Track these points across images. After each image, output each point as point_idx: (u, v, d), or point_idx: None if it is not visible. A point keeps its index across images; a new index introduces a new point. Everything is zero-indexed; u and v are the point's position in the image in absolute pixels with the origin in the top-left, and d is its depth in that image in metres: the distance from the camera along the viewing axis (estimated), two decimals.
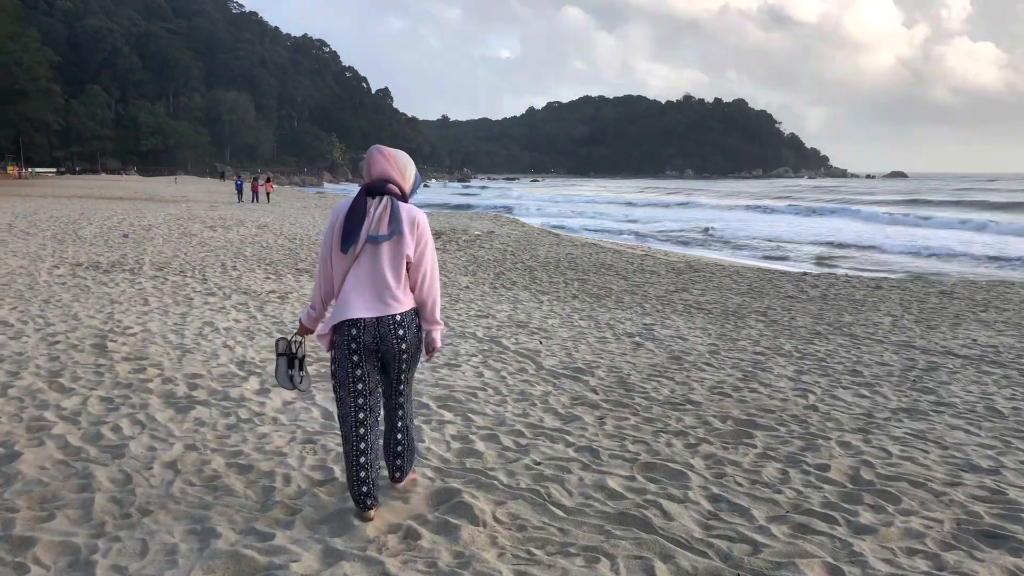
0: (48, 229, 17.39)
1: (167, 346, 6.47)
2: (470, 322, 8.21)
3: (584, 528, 3.31)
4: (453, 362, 6.30)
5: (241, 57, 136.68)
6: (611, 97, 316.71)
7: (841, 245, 24.52)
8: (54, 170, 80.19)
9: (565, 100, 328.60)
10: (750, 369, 6.45)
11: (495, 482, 3.75)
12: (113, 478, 3.69)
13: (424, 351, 3.36)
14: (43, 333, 6.79)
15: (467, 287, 11.00)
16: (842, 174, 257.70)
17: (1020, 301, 11.06)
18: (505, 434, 4.54)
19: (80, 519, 3.26)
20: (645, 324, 8.51)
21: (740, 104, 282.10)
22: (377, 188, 3.17)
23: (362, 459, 3.21)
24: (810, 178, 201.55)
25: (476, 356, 6.59)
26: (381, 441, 3.45)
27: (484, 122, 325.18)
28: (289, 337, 3.51)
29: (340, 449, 4.08)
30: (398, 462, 3.51)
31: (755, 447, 4.45)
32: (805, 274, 14.85)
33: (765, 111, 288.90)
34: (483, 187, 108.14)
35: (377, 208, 3.13)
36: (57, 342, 6.45)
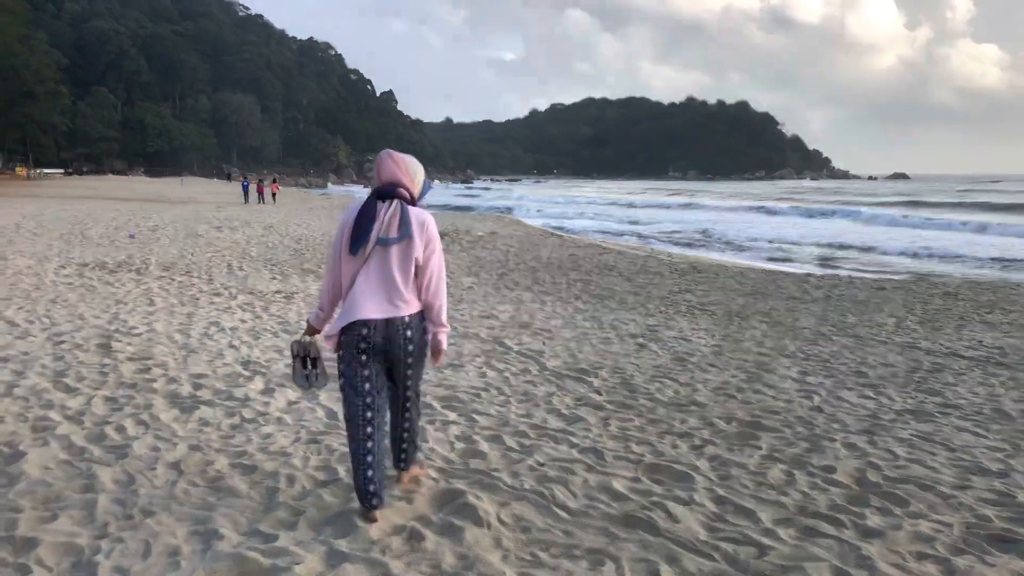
0: (55, 229, 17.43)
1: (172, 346, 6.47)
2: (473, 323, 8.20)
3: (589, 530, 3.30)
4: (456, 363, 6.28)
5: (247, 59, 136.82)
6: (614, 99, 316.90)
7: (843, 246, 24.41)
8: (61, 171, 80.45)
9: (568, 102, 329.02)
10: (754, 370, 6.42)
11: (499, 483, 3.73)
12: (116, 479, 3.68)
13: (430, 354, 3.38)
14: (49, 333, 6.80)
15: (470, 288, 10.99)
16: (844, 176, 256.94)
17: None
18: (509, 435, 4.52)
19: (83, 520, 3.25)
20: (649, 325, 8.49)
21: (743, 106, 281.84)
22: (387, 192, 3.22)
23: (369, 458, 3.21)
24: (812, 180, 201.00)
25: (479, 357, 6.57)
26: (387, 441, 3.46)
27: (487, 124, 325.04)
28: (301, 339, 3.51)
29: (344, 449, 4.07)
30: (402, 454, 3.55)
31: (760, 449, 4.43)
32: (808, 275, 14.81)
33: (768, 113, 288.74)
34: (486, 188, 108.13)
35: (387, 211, 3.17)
36: (62, 342, 6.46)
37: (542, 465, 4.03)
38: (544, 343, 7.28)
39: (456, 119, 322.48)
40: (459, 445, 4.32)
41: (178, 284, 10.08)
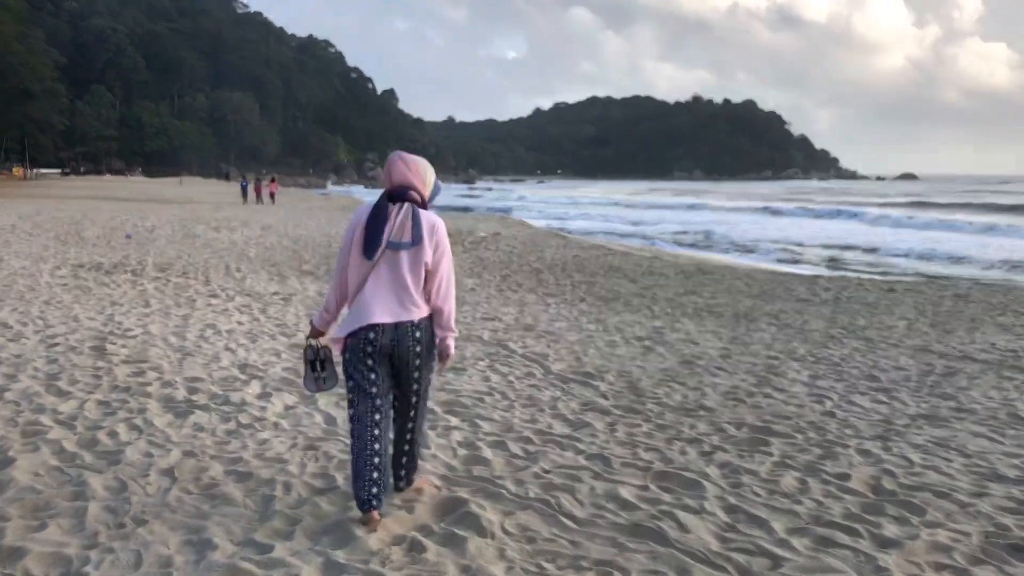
0: (51, 230, 17.34)
1: (168, 349, 6.36)
2: (476, 325, 8.08)
3: (596, 540, 3.18)
4: (459, 366, 6.17)
5: (246, 57, 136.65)
6: (618, 98, 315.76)
7: (851, 247, 24.32)
8: (59, 171, 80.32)
9: (572, 101, 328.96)
10: (763, 374, 6.30)
11: (503, 491, 3.61)
12: (108, 486, 3.57)
13: (438, 358, 3.37)
14: (42, 335, 6.69)
15: (473, 289, 10.89)
16: (852, 176, 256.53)
17: None
18: (513, 441, 4.41)
19: (73, 529, 3.15)
20: (655, 327, 8.38)
21: (749, 105, 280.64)
22: (398, 194, 3.22)
23: (375, 459, 3.17)
24: (820, 180, 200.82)
25: (483, 360, 6.46)
26: (391, 449, 3.39)
27: (490, 123, 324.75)
28: (314, 343, 3.45)
29: (343, 456, 3.97)
30: (402, 472, 3.47)
31: (772, 455, 4.31)
32: (817, 277, 14.71)
33: (775, 112, 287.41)
34: (488, 189, 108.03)
35: (398, 214, 3.18)
36: (56, 344, 6.35)
37: (547, 472, 3.92)
38: (548, 346, 7.17)
39: (458, 118, 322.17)
40: (462, 451, 4.20)
41: (174, 285, 9.97)
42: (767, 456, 4.29)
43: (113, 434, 4.27)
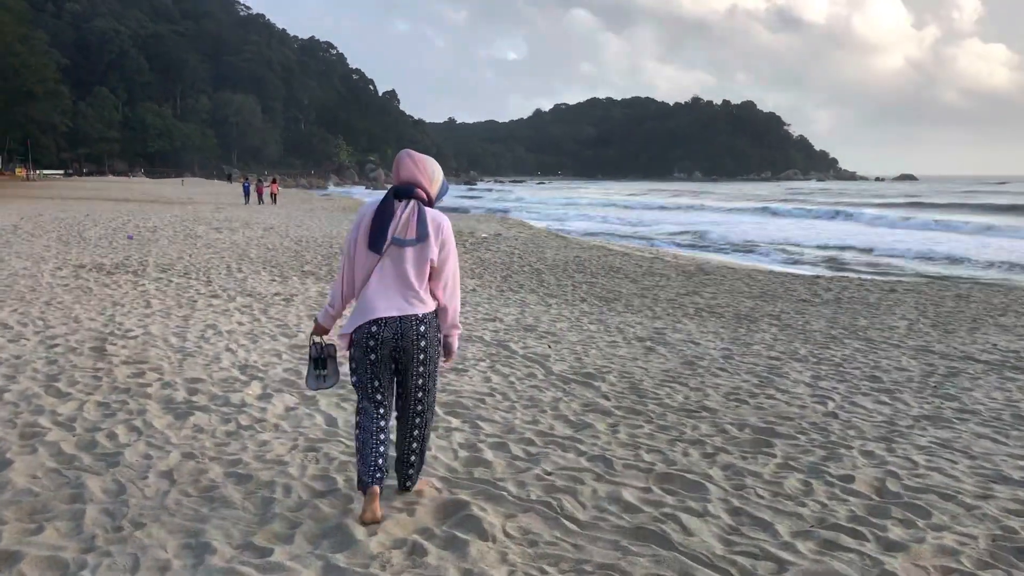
0: (53, 231, 17.32)
1: (168, 349, 6.33)
2: (477, 325, 8.05)
3: (599, 544, 3.15)
4: (460, 367, 6.14)
5: (248, 59, 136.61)
6: (619, 99, 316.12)
7: (850, 248, 24.27)
8: (62, 172, 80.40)
9: (572, 102, 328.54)
10: (765, 374, 6.27)
11: (505, 494, 3.58)
12: (106, 488, 3.54)
13: (442, 355, 3.38)
14: (42, 336, 6.66)
15: (474, 290, 10.86)
16: (851, 176, 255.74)
17: None
18: (514, 442, 4.38)
19: (70, 532, 3.11)
20: (656, 328, 8.34)
21: (749, 106, 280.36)
22: (404, 191, 3.22)
23: (381, 447, 3.19)
24: (819, 181, 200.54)
25: (484, 361, 6.43)
26: (396, 447, 3.41)
27: (491, 124, 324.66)
28: (319, 340, 3.45)
29: (344, 458, 3.95)
30: (410, 471, 3.45)
31: (775, 456, 4.27)
32: (817, 277, 14.67)
33: (774, 113, 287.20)
34: (488, 189, 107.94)
35: (404, 211, 3.17)
36: (56, 345, 6.32)
37: (549, 474, 3.88)
38: (550, 346, 7.14)
39: (459, 119, 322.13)
40: (463, 453, 4.17)
41: (176, 286, 9.94)
42: (770, 458, 4.26)
43: (112, 436, 4.24)
